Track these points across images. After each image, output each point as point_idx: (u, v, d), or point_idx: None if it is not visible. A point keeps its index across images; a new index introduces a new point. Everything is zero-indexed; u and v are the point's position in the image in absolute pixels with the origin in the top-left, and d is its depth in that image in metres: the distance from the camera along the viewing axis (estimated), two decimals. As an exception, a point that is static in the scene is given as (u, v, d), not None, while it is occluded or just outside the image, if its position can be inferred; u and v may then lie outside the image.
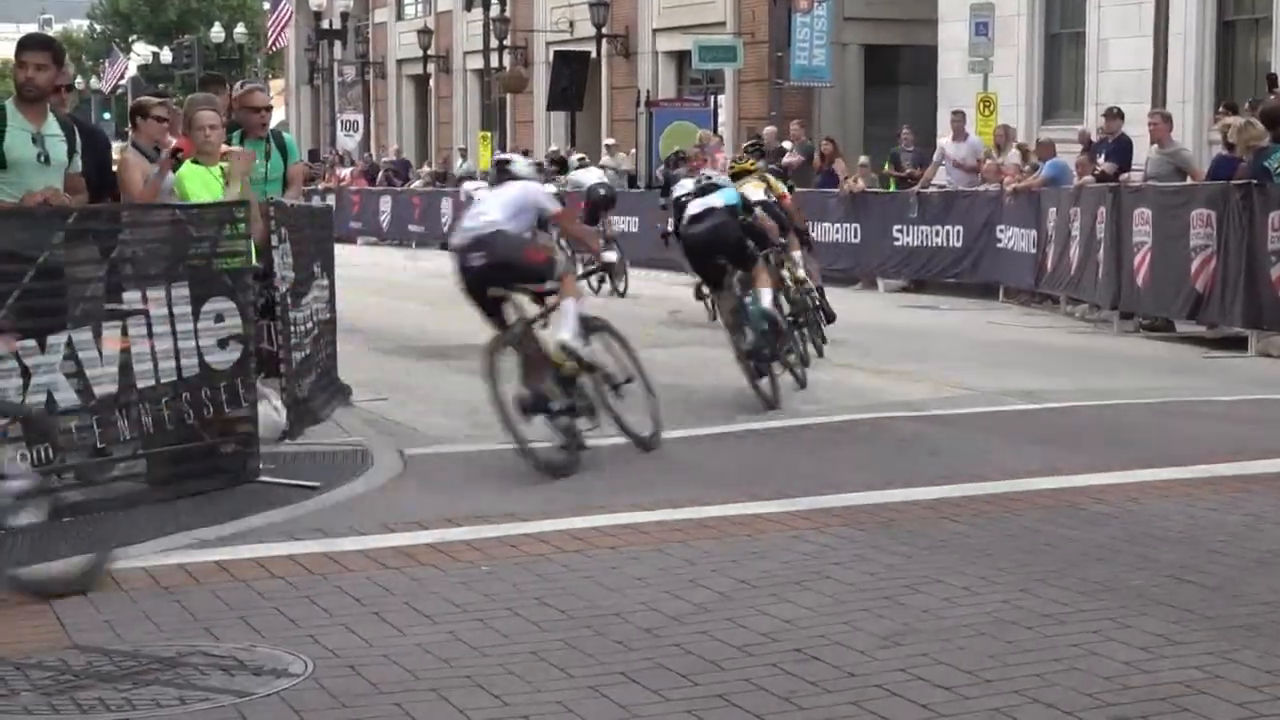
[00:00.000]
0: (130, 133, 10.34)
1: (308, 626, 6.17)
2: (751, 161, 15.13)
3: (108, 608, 6.48)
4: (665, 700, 5.25)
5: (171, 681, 5.55)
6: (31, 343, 7.76)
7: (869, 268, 23.28)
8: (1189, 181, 17.01)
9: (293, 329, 9.94)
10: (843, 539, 7.41)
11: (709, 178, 12.66)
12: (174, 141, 10.17)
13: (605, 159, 32.66)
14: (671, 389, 11.12)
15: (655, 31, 39.05)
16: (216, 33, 63.78)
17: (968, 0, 27.26)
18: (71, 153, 8.55)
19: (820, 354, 14.05)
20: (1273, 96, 18.52)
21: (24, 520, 6.92)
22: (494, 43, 41.70)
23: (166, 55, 66.28)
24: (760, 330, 11.41)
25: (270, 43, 57.39)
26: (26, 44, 8.55)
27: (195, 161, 9.71)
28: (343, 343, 12.32)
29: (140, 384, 8.28)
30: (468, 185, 25.79)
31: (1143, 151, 18.83)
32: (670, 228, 12.99)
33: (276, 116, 31.87)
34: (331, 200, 35.13)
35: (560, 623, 6.16)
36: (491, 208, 9.62)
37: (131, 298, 8.32)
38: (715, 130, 32.59)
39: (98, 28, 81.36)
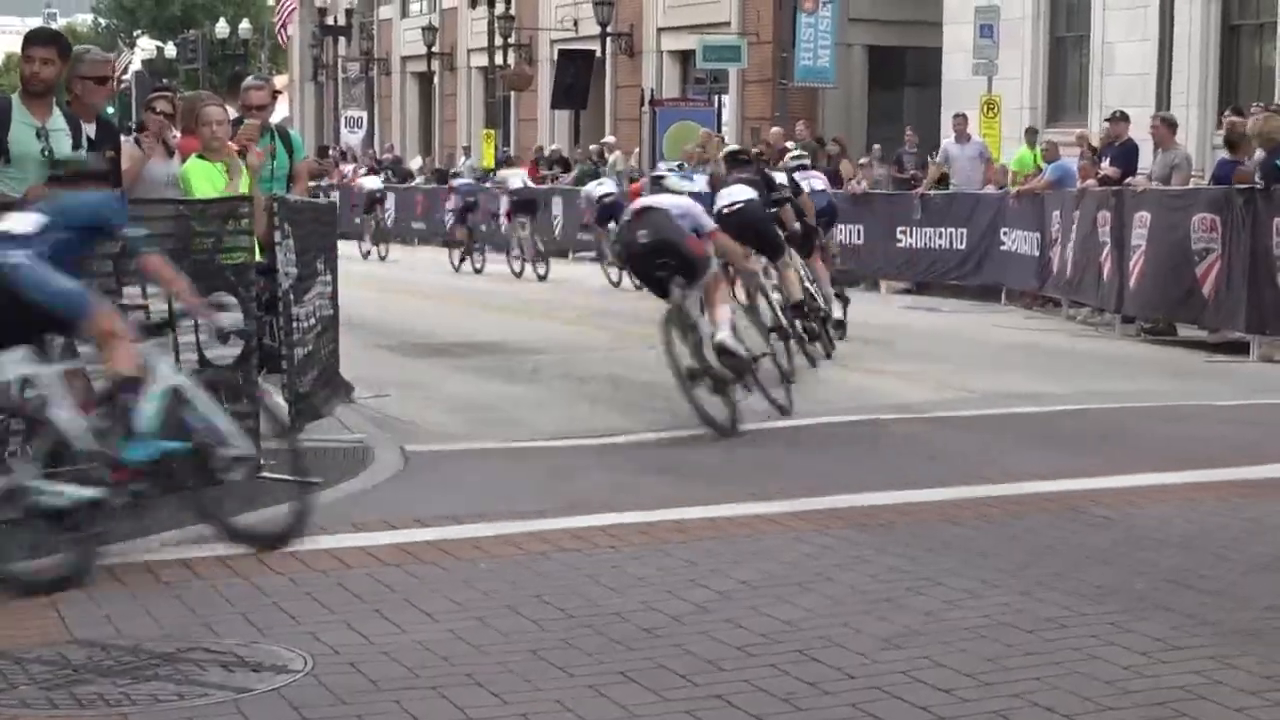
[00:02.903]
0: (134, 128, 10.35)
1: (308, 623, 6.17)
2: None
3: (107, 602, 6.48)
4: (664, 700, 5.25)
5: (171, 677, 5.55)
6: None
7: (872, 269, 23.27)
8: (1192, 185, 16.99)
9: (295, 325, 9.94)
10: (844, 540, 7.41)
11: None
12: (177, 135, 10.19)
13: (610, 157, 32.64)
14: (673, 388, 11.10)
15: (660, 30, 39.04)
16: (221, 28, 63.76)
17: (973, 2, 27.26)
18: (76, 147, 8.53)
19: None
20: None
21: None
22: (499, 40, 41.70)
23: (171, 50, 66.24)
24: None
25: (278, 30, 57.34)
26: (33, 39, 8.54)
27: (200, 157, 9.73)
28: (345, 339, 12.33)
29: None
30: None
31: (1147, 155, 18.82)
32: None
33: (280, 113, 31.91)
34: (336, 196, 35.15)
35: (560, 621, 6.16)
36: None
37: (131, 293, 8.30)
38: (719, 130, 32.57)
39: (102, 22, 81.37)
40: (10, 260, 7.04)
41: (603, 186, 26.33)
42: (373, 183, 35.46)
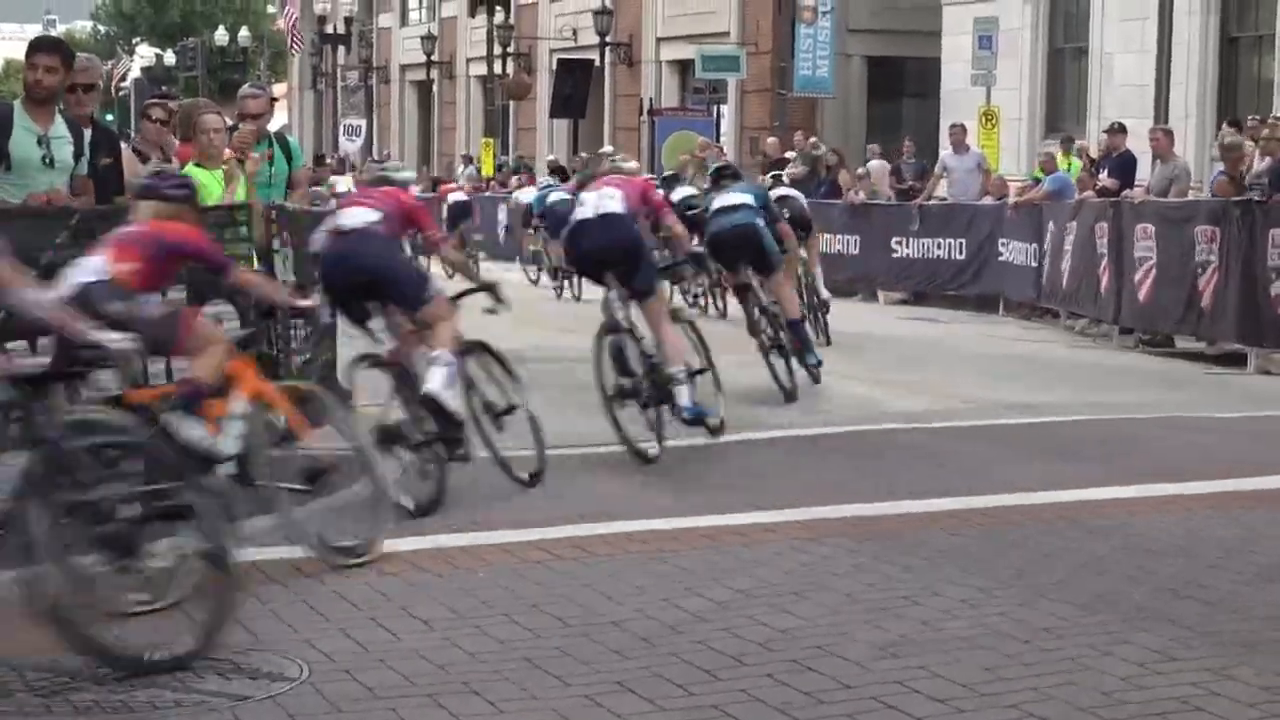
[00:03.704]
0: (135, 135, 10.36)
1: (304, 631, 6.17)
2: None
3: (104, 609, 6.47)
4: (661, 710, 5.25)
5: (168, 684, 5.55)
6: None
7: (870, 279, 23.27)
8: (1191, 197, 17.00)
9: (292, 333, 9.94)
10: (841, 549, 7.41)
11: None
12: (175, 143, 10.20)
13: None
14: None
15: (659, 40, 39.05)
16: (221, 35, 63.76)
17: (972, 13, 27.26)
18: (78, 155, 8.51)
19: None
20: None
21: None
22: (498, 49, 41.70)
23: (170, 58, 66.24)
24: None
25: (289, 44, 57.32)
26: (37, 46, 8.55)
27: (198, 164, 9.72)
28: (342, 347, 12.29)
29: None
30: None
31: (1145, 167, 18.83)
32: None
33: (279, 121, 31.87)
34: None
35: (557, 630, 6.16)
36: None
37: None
38: (717, 139, 32.58)
39: (102, 29, 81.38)
40: (759, 222, 12.16)
41: (458, 194, 30.78)
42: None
